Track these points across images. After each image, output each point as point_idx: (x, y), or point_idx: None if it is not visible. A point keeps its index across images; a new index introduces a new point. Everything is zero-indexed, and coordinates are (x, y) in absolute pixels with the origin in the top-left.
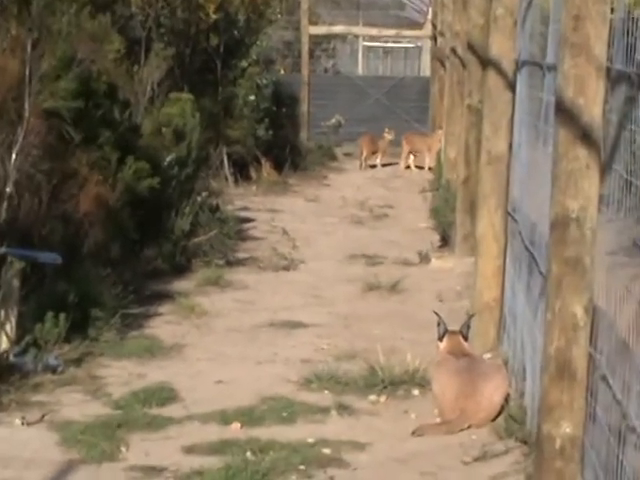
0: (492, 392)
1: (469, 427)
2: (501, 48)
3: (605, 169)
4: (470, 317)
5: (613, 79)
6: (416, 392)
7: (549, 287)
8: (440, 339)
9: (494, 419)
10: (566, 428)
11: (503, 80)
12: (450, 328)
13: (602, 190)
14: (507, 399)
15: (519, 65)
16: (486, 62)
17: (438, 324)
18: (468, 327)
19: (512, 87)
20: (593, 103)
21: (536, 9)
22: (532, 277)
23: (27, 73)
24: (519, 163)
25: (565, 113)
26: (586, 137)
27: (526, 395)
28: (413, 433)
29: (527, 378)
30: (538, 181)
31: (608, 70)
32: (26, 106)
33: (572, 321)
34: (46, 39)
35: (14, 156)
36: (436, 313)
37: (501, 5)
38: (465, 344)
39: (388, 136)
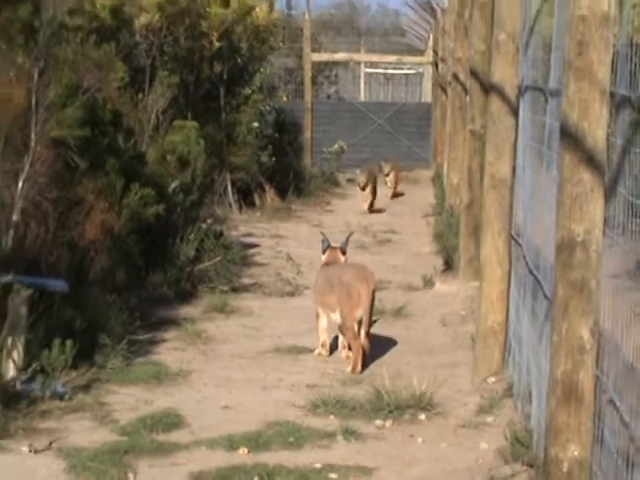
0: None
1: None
2: (504, 74)
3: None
4: (349, 235)
5: (617, 103)
6: (422, 416)
7: (555, 310)
8: (323, 253)
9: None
10: (574, 451)
11: (506, 105)
12: (332, 244)
13: (606, 213)
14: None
15: (522, 90)
16: (489, 88)
17: (322, 241)
18: (346, 243)
19: (515, 112)
20: (597, 126)
21: (538, 35)
22: (537, 301)
23: (34, 102)
24: (523, 187)
25: (569, 137)
26: (590, 160)
27: (532, 418)
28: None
29: (533, 401)
30: (542, 205)
31: (612, 95)
32: (33, 135)
33: (578, 344)
34: (52, 68)
35: (21, 184)
36: (321, 233)
37: (503, 31)
38: (342, 257)
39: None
